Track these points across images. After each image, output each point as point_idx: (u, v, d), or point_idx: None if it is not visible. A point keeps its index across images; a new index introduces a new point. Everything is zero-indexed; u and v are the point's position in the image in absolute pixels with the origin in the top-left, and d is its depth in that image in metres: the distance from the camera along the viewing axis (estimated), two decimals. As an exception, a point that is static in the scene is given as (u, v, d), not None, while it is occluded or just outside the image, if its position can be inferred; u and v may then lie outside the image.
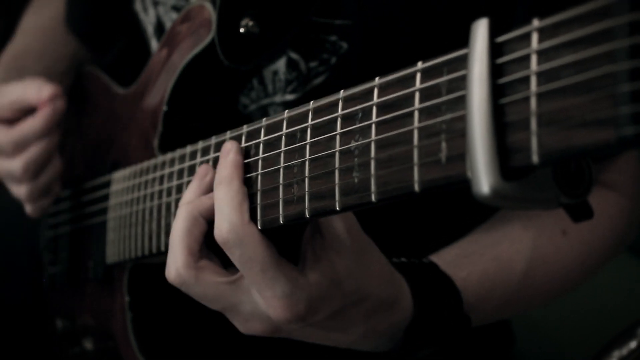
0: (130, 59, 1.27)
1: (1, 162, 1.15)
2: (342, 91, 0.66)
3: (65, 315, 1.23)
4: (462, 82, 0.54)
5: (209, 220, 0.75)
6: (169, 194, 0.89)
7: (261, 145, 0.74)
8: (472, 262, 0.88)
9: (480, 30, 0.52)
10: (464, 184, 0.53)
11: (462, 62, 0.54)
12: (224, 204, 0.72)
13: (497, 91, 0.51)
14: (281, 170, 0.70)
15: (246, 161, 0.75)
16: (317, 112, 0.68)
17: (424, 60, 0.58)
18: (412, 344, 0.80)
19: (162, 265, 0.78)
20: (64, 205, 1.24)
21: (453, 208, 1.04)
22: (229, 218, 0.71)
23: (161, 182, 0.92)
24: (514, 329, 1.22)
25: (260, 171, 0.73)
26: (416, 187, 0.57)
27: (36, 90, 1.11)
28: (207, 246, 0.76)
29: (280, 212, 0.70)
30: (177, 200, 0.86)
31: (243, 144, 0.76)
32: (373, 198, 0.61)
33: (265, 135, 0.73)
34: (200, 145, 0.84)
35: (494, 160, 0.50)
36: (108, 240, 1.06)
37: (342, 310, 0.74)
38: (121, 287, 1.03)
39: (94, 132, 1.21)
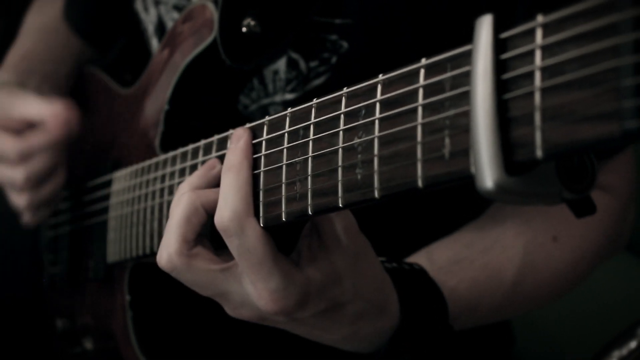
0: (130, 59, 1.28)
1: (3, 169, 1.15)
2: (345, 88, 0.66)
3: (65, 315, 1.22)
4: (466, 78, 0.54)
5: (210, 213, 0.75)
6: (170, 192, 0.89)
7: (264, 142, 0.73)
8: (463, 268, 0.89)
9: (485, 26, 0.53)
10: (468, 179, 0.53)
11: (466, 58, 0.55)
12: (231, 191, 0.71)
13: (501, 86, 0.51)
14: (284, 167, 0.71)
15: None
16: (320, 109, 0.68)
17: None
18: (394, 351, 0.80)
19: None
20: (64, 205, 1.24)
21: (448, 205, 1.05)
22: (233, 207, 0.70)
23: (163, 181, 0.92)
24: (514, 329, 1.22)
25: (262, 169, 0.73)
26: (420, 183, 0.57)
27: (51, 109, 1.10)
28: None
29: (283, 209, 0.70)
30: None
31: None
32: (376, 194, 0.61)
33: (268, 133, 0.73)
34: (203, 143, 0.84)
35: (497, 155, 0.51)
36: (109, 239, 1.06)
37: (330, 310, 0.74)
38: (122, 286, 1.03)
39: (95, 131, 1.21)
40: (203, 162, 0.82)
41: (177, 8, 1.09)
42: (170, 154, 0.91)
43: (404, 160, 0.58)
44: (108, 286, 1.08)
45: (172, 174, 0.90)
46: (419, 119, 0.57)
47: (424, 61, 0.58)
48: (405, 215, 1.05)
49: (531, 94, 0.49)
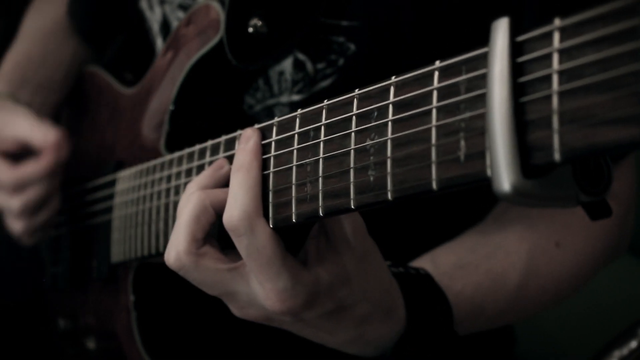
0: (132, 56, 1.27)
1: (0, 197, 1.18)
2: (357, 90, 0.66)
3: (67, 315, 1.22)
4: (481, 81, 0.54)
5: (218, 213, 0.75)
6: (176, 192, 0.89)
7: (273, 143, 0.73)
8: (468, 273, 0.89)
9: (501, 29, 0.53)
10: (484, 182, 0.53)
11: (482, 60, 0.55)
12: (241, 191, 0.71)
13: (517, 89, 0.51)
14: (294, 168, 0.70)
15: None
16: (331, 110, 0.68)
17: (429, 61, 0.59)
18: (399, 356, 0.80)
19: None
20: (65, 205, 1.23)
21: (451, 208, 1.05)
22: (243, 206, 0.70)
23: (168, 181, 0.92)
24: (515, 329, 1.23)
25: (272, 169, 0.73)
26: (434, 186, 0.57)
27: (42, 135, 1.13)
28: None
29: (293, 210, 0.70)
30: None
31: None
32: (389, 196, 0.61)
33: (277, 134, 0.73)
34: (210, 143, 0.84)
35: (515, 158, 0.51)
36: (113, 239, 1.06)
37: (336, 311, 0.75)
38: (126, 286, 1.03)
39: (98, 131, 1.20)
40: (210, 163, 0.82)
41: (183, 7, 1.09)
42: (177, 154, 0.91)
43: (418, 162, 0.58)
44: (112, 286, 1.08)
45: (178, 174, 0.90)
46: (434, 121, 0.57)
47: (438, 63, 0.59)
48: (409, 218, 1.05)
49: (549, 97, 0.50)
